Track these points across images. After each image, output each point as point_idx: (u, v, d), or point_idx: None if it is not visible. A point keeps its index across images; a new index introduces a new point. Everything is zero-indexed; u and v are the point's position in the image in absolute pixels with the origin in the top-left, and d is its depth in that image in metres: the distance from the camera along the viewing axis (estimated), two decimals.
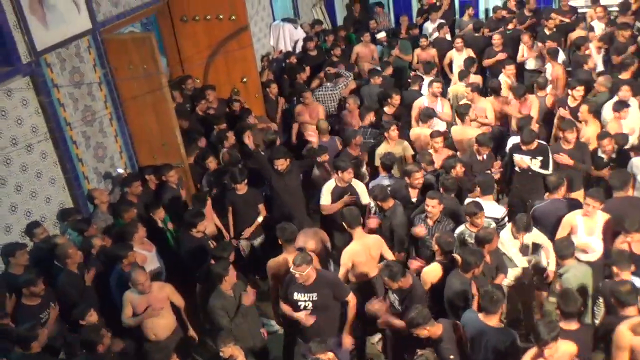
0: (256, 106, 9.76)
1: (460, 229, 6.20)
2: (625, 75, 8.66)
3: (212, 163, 8.04)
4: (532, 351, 4.65)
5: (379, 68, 10.42)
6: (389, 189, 6.98)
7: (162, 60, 8.97)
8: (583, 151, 7.33)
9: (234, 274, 5.73)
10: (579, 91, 8.18)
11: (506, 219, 6.58)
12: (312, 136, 8.20)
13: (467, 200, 6.48)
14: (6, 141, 6.46)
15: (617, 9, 11.29)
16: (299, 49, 11.91)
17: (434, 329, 4.92)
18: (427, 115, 8.32)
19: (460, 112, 8.18)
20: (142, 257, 6.47)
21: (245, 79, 9.88)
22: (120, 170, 8.03)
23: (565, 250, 5.62)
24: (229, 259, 6.05)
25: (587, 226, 6.07)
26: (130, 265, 6.14)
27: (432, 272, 5.72)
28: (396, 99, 8.92)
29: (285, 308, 5.69)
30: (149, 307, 5.78)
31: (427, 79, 9.56)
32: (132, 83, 7.94)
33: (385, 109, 8.96)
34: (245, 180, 7.31)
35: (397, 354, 5.71)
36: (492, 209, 6.53)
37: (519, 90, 8.59)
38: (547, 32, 10.61)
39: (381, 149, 7.90)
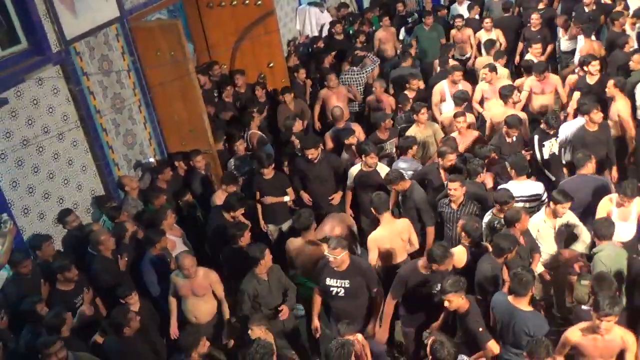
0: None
1: (489, 217, 6.13)
2: None
3: (241, 146, 8.07)
4: (585, 323, 4.62)
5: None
6: (418, 171, 6.95)
7: (189, 47, 9.01)
8: (607, 132, 7.18)
9: (270, 257, 5.77)
10: (595, 66, 8.01)
11: (546, 194, 6.47)
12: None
13: (515, 185, 6.37)
14: (38, 129, 6.58)
15: None
16: (325, 33, 11.85)
17: (462, 302, 4.90)
18: (462, 98, 8.19)
19: (504, 93, 8.04)
20: (172, 243, 6.56)
21: (271, 64, 9.86)
22: (152, 159, 8.13)
23: (605, 230, 5.46)
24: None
25: (621, 212, 5.93)
26: (161, 250, 6.24)
27: (457, 255, 5.65)
28: (414, 83, 8.85)
29: (316, 299, 5.75)
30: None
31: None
32: (159, 70, 8.00)
33: (406, 92, 8.88)
34: (273, 165, 7.31)
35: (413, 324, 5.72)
36: (530, 187, 6.43)
37: (539, 66, 8.44)
38: (586, 9, 10.32)
39: (411, 132, 7.85)
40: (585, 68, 8.23)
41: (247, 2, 9.45)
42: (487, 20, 10.47)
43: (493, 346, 4.86)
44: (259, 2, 9.43)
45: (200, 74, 9.06)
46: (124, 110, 7.76)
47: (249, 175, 7.80)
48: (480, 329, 4.90)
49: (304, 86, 9.86)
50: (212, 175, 8.09)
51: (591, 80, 8.14)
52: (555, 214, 5.89)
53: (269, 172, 7.31)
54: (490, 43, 9.80)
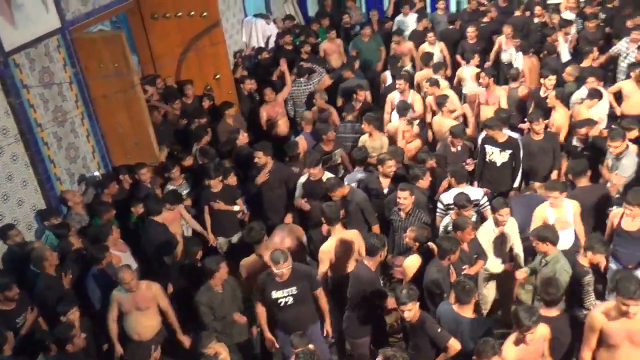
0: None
1: (447, 220, 6.26)
2: (586, 63, 8.87)
3: (188, 161, 7.98)
4: (514, 336, 4.73)
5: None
6: (359, 181, 7.11)
7: (134, 59, 8.89)
8: (553, 142, 7.45)
9: (225, 270, 5.73)
10: (551, 80, 8.32)
11: (486, 199, 6.66)
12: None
13: (455, 192, 6.51)
14: None
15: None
16: (271, 44, 11.88)
17: (417, 311, 4.98)
18: (404, 108, 8.36)
19: (438, 102, 8.25)
20: (117, 259, 6.43)
21: (218, 76, 9.83)
22: (96, 173, 7.96)
23: (552, 235, 5.57)
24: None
25: (557, 217, 6.16)
26: (107, 266, 6.11)
27: (414, 263, 5.75)
28: (361, 94, 8.98)
29: (260, 311, 5.74)
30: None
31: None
32: (103, 82, 7.88)
33: (353, 104, 9.01)
34: (220, 177, 7.27)
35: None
36: (470, 192, 6.59)
37: (487, 71, 8.75)
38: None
39: (361, 142, 7.98)
40: (542, 81, 8.52)
41: (192, 13, 9.39)
42: (431, 33, 10.70)
43: (454, 343, 4.92)
44: (205, 14, 9.39)
45: (147, 84, 8.96)
46: (66, 123, 7.57)
47: (196, 190, 7.71)
48: (439, 330, 4.98)
49: (250, 98, 9.84)
50: (158, 188, 7.97)
51: (545, 93, 8.42)
52: (496, 222, 6.06)
53: (216, 185, 7.25)
54: (428, 56, 10.03)
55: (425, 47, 10.65)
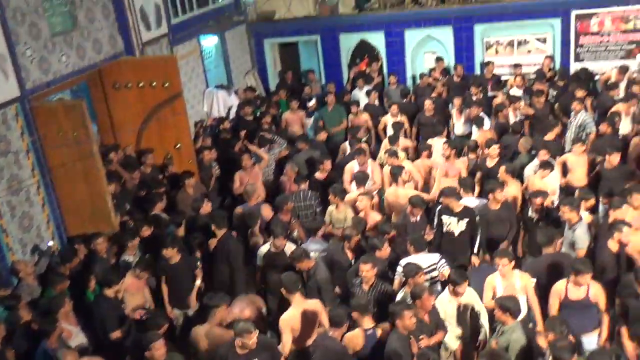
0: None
1: (401, 294, 6.26)
2: (549, 137, 9.22)
3: (146, 231, 7.85)
4: None
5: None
6: (325, 252, 7.03)
7: (93, 127, 8.85)
8: (510, 212, 7.61)
9: (161, 350, 5.49)
10: (494, 149, 8.61)
11: (443, 261, 6.68)
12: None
13: (404, 261, 6.55)
14: None
15: (534, 76, 12.06)
16: (232, 115, 12.02)
17: None
18: (362, 178, 8.48)
19: (394, 172, 8.38)
20: (67, 332, 6.18)
21: (179, 145, 9.82)
22: (50, 243, 7.75)
23: (514, 306, 5.61)
24: (160, 331, 5.87)
25: (505, 286, 6.21)
26: (57, 340, 5.86)
27: (355, 338, 5.70)
28: (327, 164, 9.07)
29: None
30: None
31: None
32: (61, 150, 7.80)
33: (317, 174, 9.09)
34: (176, 248, 7.10)
35: None
36: (425, 258, 6.65)
37: (451, 142, 8.98)
38: (473, 97, 11.13)
39: (329, 214, 8.06)
40: (486, 151, 8.80)
41: (154, 84, 9.45)
42: (394, 106, 11.00)
43: None
44: (167, 84, 9.46)
45: (108, 152, 8.90)
46: (20, 192, 7.42)
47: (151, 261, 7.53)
48: None
49: (210, 168, 9.85)
50: (114, 259, 7.78)
51: (490, 163, 8.67)
52: (455, 294, 6.09)
53: (173, 255, 7.10)
54: (398, 126, 10.25)
55: (388, 118, 10.92)
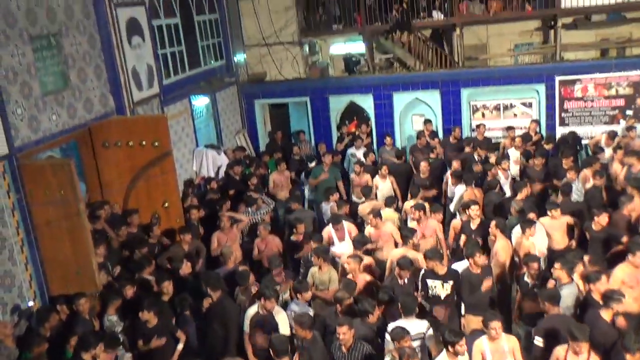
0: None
1: (387, 358, 6.12)
2: (520, 196, 9.35)
3: (129, 290, 7.70)
4: None
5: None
6: (319, 318, 6.96)
7: (81, 186, 8.81)
8: (490, 275, 7.56)
9: None
10: (474, 210, 8.64)
11: (430, 331, 6.57)
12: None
13: (391, 325, 6.44)
14: None
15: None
16: (221, 174, 12.04)
17: None
18: (361, 242, 8.39)
19: (405, 234, 8.34)
20: None
21: (166, 204, 9.78)
22: (31, 303, 7.58)
23: None
24: None
25: (493, 350, 6.13)
26: None
27: None
28: (300, 227, 9.10)
29: None
30: None
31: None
32: (47, 208, 7.73)
33: (292, 237, 9.09)
34: (152, 312, 6.93)
35: None
36: (415, 325, 6.53)
37: (418, 206, 9.00)
38: (476, 157, 11.21)
39: (311, 275, 7.96)
40: (467, 211, 8.81)
41: (144, 142, 9.48)
42: (384, 167, 11.07)
43: None
44: (156, 143, 9.50)
45: (93, 212, 8.83)
46: (3, 250, 7.30)
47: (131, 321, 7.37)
48: None
49: (198, 227, 9.79)
50: (97, 320, 7.60)
51: (473, 224, 8.69)
52: (456, 354, 5.95)
53: (150, 318, 6.93)
54: (367, 189, 10.34)
55: (378, 180, 10.97)
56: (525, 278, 7.44)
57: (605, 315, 6.36)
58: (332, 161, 11.68)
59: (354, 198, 11.04)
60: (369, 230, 9.00)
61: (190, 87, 12.28)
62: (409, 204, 9.77)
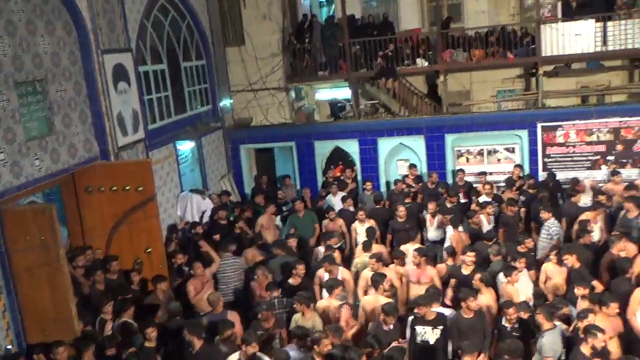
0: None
1: None
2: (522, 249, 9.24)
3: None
4: None
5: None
6: None
7: (63, 231, 8.73)
8: (483, 319, 7.52)
9: None
10: (470, 256, 8.60)
11: None
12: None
13: None
14: None
15: (503, 184, 12.34)
16: (206, 219, 11.98)
17: None
18: (331, 285, 8.36)
19: (375, 279, 8.29)
20: None
21: (149, 250, 9.68)
22: (10, 347, 7.40)
23: None
24: None
25: None
26: None
27: None
28: (300, 269, 8.99)
29: None
30: None
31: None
32: (27, 254, 7.65)
33: (290, 280, 8.98)
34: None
35: None
36: None
37: (422, 250, 8.95)
38: (447, 204, 11.28)
39: (294, 322, 7.85)
40: (462, 258, 8.78)
41: (127, 187, 9.45)
42: (361, 212, 11.09)
43: None
44: (140, 188, 9.46)
45: (74, 258, 8.71)
46: None
47: None
48: None
49: (180, 272, 9.67)
50: None
51: (466, 270, 8.64)
52: None
53: None
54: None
55: (356, 224, 10.96)
56: (503, 322, 7.43)
57: (585, 349, 6.39)
58: (305, 207, 11.65)
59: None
60: (365, 274, 8.88)
61: (175, 132, 12.33)
62: (407, 247, 9.74)
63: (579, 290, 7.52)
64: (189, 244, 10.88)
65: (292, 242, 10.39)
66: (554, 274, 8.57)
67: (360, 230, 10.84)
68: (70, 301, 7.70)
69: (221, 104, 14.46)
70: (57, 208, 8.11)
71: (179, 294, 9.20)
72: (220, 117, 14.39)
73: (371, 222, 10.97)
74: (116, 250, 9.56)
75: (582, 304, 7.33)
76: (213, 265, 9.43)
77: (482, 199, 11.53)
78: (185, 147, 12.96)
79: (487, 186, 11.74)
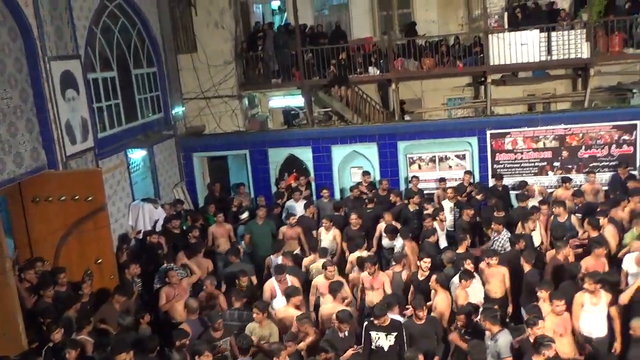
0: (112, 288, 9.29)
1: None
2: (461, 249, 9.50)
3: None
4: None
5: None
6: None
7: (9, 242, 8.46)
8: (435, 325, 7.65)
9: None
10: (426, 262, 8.72)
11: None
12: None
13: None
14: None
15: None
16: (159, 228, 11.80)
17: None
18: (289, 294, 8.33)
19: (333, 287, 8.31)
20: None
21: (100, 260, 9.48)
22: None
23: None
24: None
25: None
26: None
27: None
28: (243, 280, 8.96)
29: None
30: None
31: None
32: None
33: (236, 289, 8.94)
34: None
35: None
36: None
37: (371, 259, 9.01)
38: (410, 208, 11.40)
39: (249, 330, 7.80)
40: (418, 263, 8.90)
41: (77, 197, 9.25)
42: (325, 219, 11.11)
43: None
44: (90, 198, 9.28)
45: (22, 270, 8.45)
46: None
47: None
48: None
49: (133, 283, 9.50)
50: None
51: (422, 276, 8.76)
52: None
53: None
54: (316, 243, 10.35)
55: (322, 231, 10.98)
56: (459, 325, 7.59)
57: None
58: (266, 214, 11.63)
59: (286, 250, 10.91)
60: (317, 281, 8.95)
61: (126, 140, 12.12)
62: (355, 255, 9.79)
63: (541, 293, 7.66)
64: (142, 253, 10.69)
65: (240, 251, 10.28)
66: (490, 276, 8.78)
67: (323, 236, 10.86)
68: (17, 315, 7.48)
69: (173, 112, 14.31)
70: (3, 218, 7.87)
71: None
72: (172, 125, 14.22)
73: (335, 232, 10.99)
74: (65, 262, 9.33)
75: (544, 307, 7.48)
76: (193, 276, 9.34)
77: (445, 203, 11.72)
78: (137, 155, 12.76)
79: (449, 190, 11.94)
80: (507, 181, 13.13)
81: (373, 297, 8.71)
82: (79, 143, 10.29)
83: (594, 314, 7.57)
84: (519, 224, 10.18)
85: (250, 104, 16.16)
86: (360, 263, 9.39)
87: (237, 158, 15.26)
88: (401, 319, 7.80)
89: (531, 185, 12.44)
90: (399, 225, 10.79)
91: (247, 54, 15.23)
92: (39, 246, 9.45)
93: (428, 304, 8.04)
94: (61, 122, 9.74)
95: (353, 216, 11.04)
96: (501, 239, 9.95)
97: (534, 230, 10.04)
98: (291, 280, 8.98)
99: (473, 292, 8.33)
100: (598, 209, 10.28)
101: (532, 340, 6.76)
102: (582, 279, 7.83)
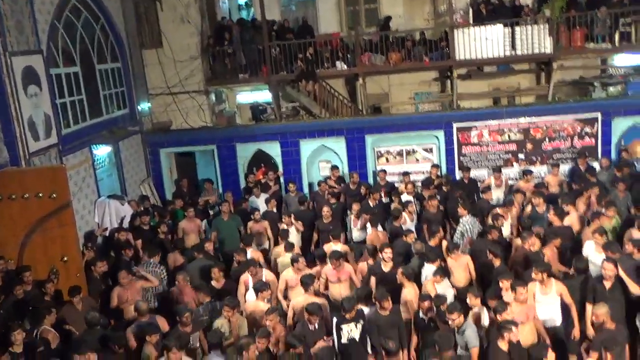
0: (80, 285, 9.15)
1: None
2: (433, 242, 9.57)
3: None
4: None
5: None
6: None
7: None
8: (399, 316, 7.74)
9: None
10: (387, 253, 8.79)
11: None
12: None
13: None
14: None
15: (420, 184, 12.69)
16: (126, 224, 11.66)
17: None
18: (259, 288, 8.32)
19: (305, 281, 8.32)
20: None
21: (65, 258, 9.32)
22: None
23: None
24: None
25: None
26: None
27: None
28: (216, 272, 8.94)
29: None
30: None
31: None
32: None
33: (213, 283, 8.90)
34: None
35: None
36: None
37: (335, 254, 9.03)
38: (371, 203, 11.49)
39: (218, 324, 7.77)
40: (380, 255, 8.94)
41: (40, 194, 9.07)
42: (285, 217, 11.12)
43: None
44: (54, 195, 9.11)
45: None
46: None
47: None
48: None
49: (101, 280, 9.38)
50: None
51: (386, 267, 8.82)
52: None
53: None
54: (284, 232, 10.37)
55: (283, 226, 10.98)
56: (421, 315, 7.72)
57: (502, 345, 6.67)
58: (232, 210, 11.57)
59: (253, 245, 10.89)
60: (286, 275, 8.97)
61: (91, 137, 11.95)
62: (330, 246, 9.81)
63: (503, 283, 7.76)
64: (112, 249, 10.56)
65: (209, 246, 10.29)
66: (454, 267, 8.93)
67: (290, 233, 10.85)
68: None
69: (139, 108, 14.15)
70: None
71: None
72: (138, 120, 14.06)
73: (298, 224, 11.02)
74: (30, 260, 9.14)
75: (507, 297, 7.59)
76: (148, 283, 9.23)
77: (404, 197, 11.83)
78: (102, 151, 12.60)
79: (409, 185, 12.05)
80: (474, 173, 13.30)
81: (340, 290, 8.76)
82: (42, 139, 10.11)
83: (544, 304, 7.71)
84: (489, 217, 10.31)
85: (218, 100, 16.05)
86: (321, 256, 9.43)
87: (205, 154, 15.17)
88: (367, 309, 7.87)
89: (494, 174, 12.56)
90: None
91: (214, 49, 15.12)
92: (2, 245, 9.24)
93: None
94: (23, 118, 9.56)
95: (325, 209, 11.09)
96: (463, 224, 10.10)
97: (502, 226, 10.17)
98: (266, 274, 8.95)
99: (442, 290, 8.40)
100: (559, 200, 10.51)
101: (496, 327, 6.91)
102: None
